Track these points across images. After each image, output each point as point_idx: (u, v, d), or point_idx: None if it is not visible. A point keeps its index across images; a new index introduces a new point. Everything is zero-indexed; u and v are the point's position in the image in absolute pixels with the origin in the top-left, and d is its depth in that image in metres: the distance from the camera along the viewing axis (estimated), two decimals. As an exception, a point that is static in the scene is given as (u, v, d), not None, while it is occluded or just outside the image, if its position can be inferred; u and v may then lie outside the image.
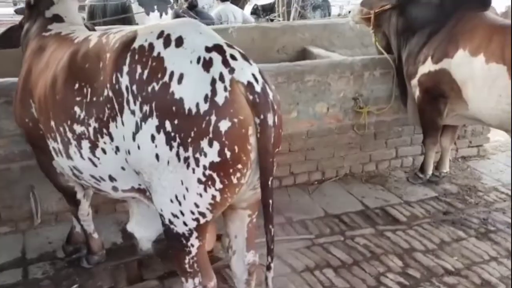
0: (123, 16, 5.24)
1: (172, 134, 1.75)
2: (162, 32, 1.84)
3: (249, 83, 1.76)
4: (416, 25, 3.69)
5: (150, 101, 1.77)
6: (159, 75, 1.76)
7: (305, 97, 3.78)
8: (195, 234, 1.92)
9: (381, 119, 4.11)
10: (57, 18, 2.48)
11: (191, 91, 1.73)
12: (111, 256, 3.02)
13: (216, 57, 1.77)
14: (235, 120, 1.74)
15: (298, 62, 3.81)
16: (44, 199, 3.26)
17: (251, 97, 1.75)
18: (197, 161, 1.75)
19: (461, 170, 4.29)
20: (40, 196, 3.23)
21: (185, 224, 1.89)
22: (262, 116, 1.77)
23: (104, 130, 1.94)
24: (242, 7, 9.62)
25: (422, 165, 4.04)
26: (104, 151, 1.99)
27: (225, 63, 1.76)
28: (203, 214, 1.87)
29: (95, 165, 2.07)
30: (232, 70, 1.75)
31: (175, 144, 1.75)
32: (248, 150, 1.80)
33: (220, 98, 1.72)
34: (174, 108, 1.73)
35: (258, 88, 1.77)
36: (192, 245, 1.95)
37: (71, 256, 2.99)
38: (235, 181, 1.83)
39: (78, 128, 2.03)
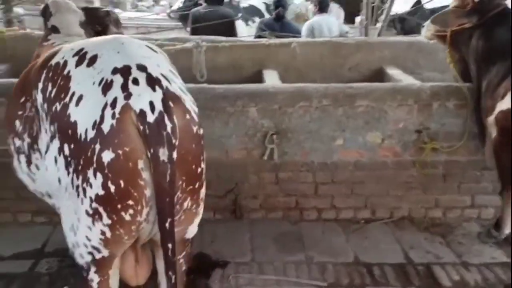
0: (223, 22, 5.27)
1: (69, 159, 1.63)
2: (81, 50, 1.73)
3: (142, 111, 1.54)
4: (499, 50, 3.01)
5: (54, 121, 1.67)
6: (63, 95, 1.65)
7: (354, 124, 3.34)
8: (93, 268, 1.76)
9: (454, 158, 3.44)
10: (55, 29, 2.52)
11: (84, 115, 1.59)
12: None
13: (117, 80, 1.59)
14: (120, 151, 1.55)
15: (351, 84, 3.37)
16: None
17: (141, 128, 1.54)
18: (84, 191, 1.61)
19: (556, 234, 3.40)
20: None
21: (81, 256, 1.74)
22: (152, 150, 1.54)
23: (35, 146, 1.90)
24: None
25: (497, 221, 3.29)
26: (37, 166, 1.95)
27: (124, 87, 1.58)
28: (97, 249, 1.71)
29: (33, 181, 2.04)
30: (128, 96, 1.56)
31: (71, 170, 1.63)
32: (141, 185, 1.59)
33: (106, 126, 1.55)
34: (70, 131, 1.61)
35: (151, 118, 1.54)
36: (92, 280, 1.78)
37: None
38: (127, 218, 1.63)
39: (17, 142, 2.02)
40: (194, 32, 5.17)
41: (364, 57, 4.20)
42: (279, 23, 5.22)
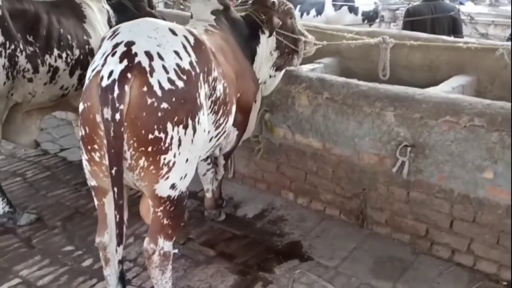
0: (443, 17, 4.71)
1: None
2: (117, 28, 2.13)
3: (102, 77, 1.89)
4: None
5: None
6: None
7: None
8: (92, 192, 2.21)
9: None
10: (191, 15, 2.96)
11: (87, 75, 2.03)
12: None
13: (108, 51, 1.96)
14: (85, 104, 1.97)
15: (520, 106, 2.59)
16: (237, 161, 3.88)
17: (98, 90, 1.88)
18: None
19: None
20: (235, 156, 3.85)
21: None
22: (100, 108, 1.87)
23: None
24: None
25: None
26: None
27: (106, 57, 1.94)
28: (89, 177, 2.14)
29: None
30: (103, 64, 1.93)
31: None
32: (101, 135, 1.94)
33: (85, 84, 2.00)
34: None
35: (104, 83, 1.87)
36: (94, 201, 2.24)
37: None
38: (97, 158, 2.02)
39: None
40: (406, 27, 4.74)
41: None
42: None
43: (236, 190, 3.78)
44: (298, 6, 7.66)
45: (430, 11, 4.68)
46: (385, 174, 3.08)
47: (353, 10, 7.82)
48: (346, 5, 7.78)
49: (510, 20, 7.31)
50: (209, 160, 3.25)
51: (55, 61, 3.15)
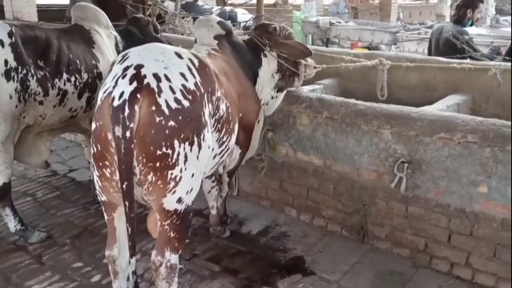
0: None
1: None
2: (127, 52, 2.26)
3: (113, 98, 2.01)
4: None
5: None
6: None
7: (504, 172, 2.68)
8: (102, 207, 2.31)
9: None
10: (196, 40, 3.12)
11: (99, 97, 2.18)
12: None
13: (119, 74, 2.09)
14: (97, 123, 2.09)
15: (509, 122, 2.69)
16: (241, 178, 3.98)
17: (109, 109, 2.00)
18: None
19: None
20: (239, 174, 3.96)
21: None
22: (111, 126, 1.98)
23: None
24: None
25: None
26: None
27: (117, 80, 2.07)
28: (99, 193, 2.25)
29: None
30: (114, 86, 2.06)
31: None
32: (112, 152, 2.05)
33: (97, 105, 2.12)
34: None
35: (116, 103, 1.99)
36: (104, 215, 2.34)
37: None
38: (107, 174, 2.11)
39: None
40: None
41: None
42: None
43: (240, 207, 3.88)
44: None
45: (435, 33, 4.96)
46: (384, 189, 3.17)
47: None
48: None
49: (509, 41, 7.50)
50: (213, 178, 3.35)
51: (64, 84, 3.29)
